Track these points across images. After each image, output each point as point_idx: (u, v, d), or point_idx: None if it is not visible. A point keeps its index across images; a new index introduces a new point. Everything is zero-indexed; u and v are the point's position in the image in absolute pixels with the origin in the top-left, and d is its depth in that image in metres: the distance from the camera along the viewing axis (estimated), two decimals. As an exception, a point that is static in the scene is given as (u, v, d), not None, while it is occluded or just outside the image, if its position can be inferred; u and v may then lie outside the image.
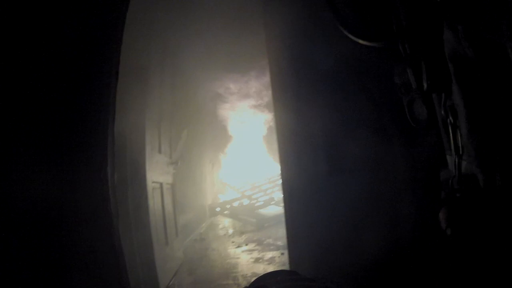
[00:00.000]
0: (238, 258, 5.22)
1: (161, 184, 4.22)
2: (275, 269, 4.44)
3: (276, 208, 8.13)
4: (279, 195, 8.50)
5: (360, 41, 0.95)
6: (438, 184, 1.26)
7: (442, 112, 1.00)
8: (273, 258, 4.95)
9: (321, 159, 2.84)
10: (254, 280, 0.84)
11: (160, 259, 3.77)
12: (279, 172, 3.09)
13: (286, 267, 3.81)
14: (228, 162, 10.08)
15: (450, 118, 0.97)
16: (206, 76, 7.82)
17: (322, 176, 2.84)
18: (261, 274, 0.87)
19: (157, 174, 4.05)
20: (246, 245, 5.88)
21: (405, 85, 1.14)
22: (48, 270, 1.69)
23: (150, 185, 3.74)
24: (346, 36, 2.43)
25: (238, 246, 5.86)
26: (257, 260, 4.96)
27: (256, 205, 8.40)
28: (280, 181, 3.10)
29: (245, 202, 8.71)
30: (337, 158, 2.82)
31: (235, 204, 8.64)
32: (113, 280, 2.20)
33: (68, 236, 1.88)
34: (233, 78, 8.27)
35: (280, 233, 6.13)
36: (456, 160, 0.99)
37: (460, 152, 0.98)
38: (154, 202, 3.87)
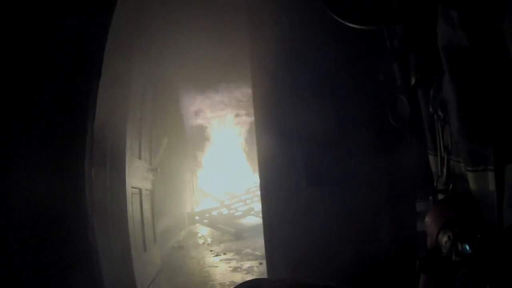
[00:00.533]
0: (216, 266, 5.20)
1: (140, 190, 4.21)
2: (254, 278, 4.45)
3: (255, 219, 8.11)
4: (258, 205, 8.51)
5: (350, 24, 0.88)
6: (414, 213, 1.24)
7: (430, 109, 0.96)
8: (251, 268, 4.95)
9: (299, 171, 2.87)
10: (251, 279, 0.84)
11: (138, 264, 3.74)
12: (258, 183, 3.11)
13: (265, 276, 3.82)
14: (208, 172, 10.05)
15: (440, 113, 0.93)
16: (188, 86, 7.84)
17: (300, 188, 2.87)
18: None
19: (136, 179, 4.03)
20: (225, 254, 5.86)
21: (389, 83, 1.10)
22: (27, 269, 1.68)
23: (129, 190, 3.72)
24: (332, 45, 2.46)
25: (217, 255, 5.84)
26: (235, 269, 4.95)
27: (235, 214, 8.38)
28: (259, 192, 3.12)
29: (224, 211, 8.68)
30: (315, 171, 2.85)
31: (214, 213, 8.60)
32: (88, 278, 2.20)
33: (48, 233, 1.87)
34: (215, 89, 8.29)
35: (258, 243, 6.12)
36: (445, 157, 0.96)
37: (449, 149, 0.94)
38: (132, 207, 3.85)
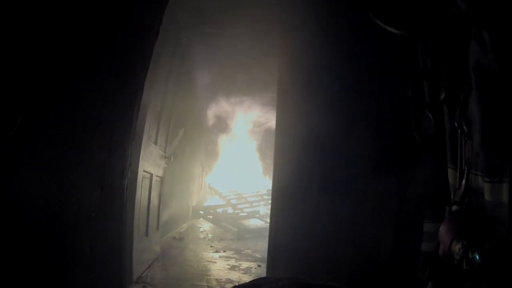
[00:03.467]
0: (214, 262, 5.20)
1: (151, 175, 4.23)
2: (250, 279, 4.43)
3: (259, 222, 8.12)
4: (264, 209, 8.50)
5: (389, 29, 0.95)
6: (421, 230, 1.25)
7: (455, 123, 0.99)
8: (249, 268, 4.94)
9: (312, 180, 2.88)
10: (251, 280, 0.84)
11: (138, 248, 3.75)
12: (270, 186, 3.12)
13: (261, 278, 3.80)
14: (219, 169, 10.08)
15: (464, 127, 0.97)
16: (210, 84, 7.88)
17: (310, 196, 2.87)
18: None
19: (149, 164, 4.05)
20: (224, 251, 5.85)
21: (417, 99, 1.15)
22: (50, 268, 1.69)
23: (141, 173, 3.75)
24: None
25: (216, 251, 5.84)
26: (233, 268, 4.94)
27: (240, 215, 8.38)
28: (268, 196, 3.13)
29: (230, 210, 8.70)
30: (328, 181, 2.86)
31: (219, 210, 8.62)
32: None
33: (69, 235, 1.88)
34: (238, 91, 8.33)
35: (259, 246, 6.12)
36: (465, 170, 0.98)
37: (470, 162, 0.97)
38: (141, 191, 3.87)
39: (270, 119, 8.41)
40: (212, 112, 9.03)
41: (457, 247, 0.91)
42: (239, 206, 8.76)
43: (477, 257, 0.86)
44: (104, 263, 2.24)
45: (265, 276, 3.09)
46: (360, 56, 2.85)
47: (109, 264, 2.33)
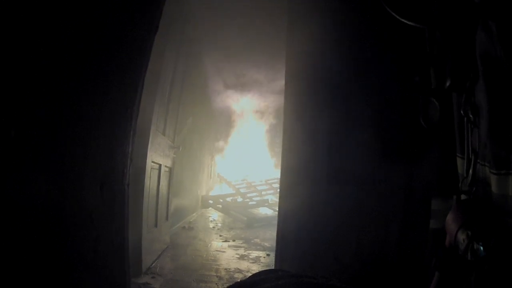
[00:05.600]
0: (223, 252, 5.22)
1: (160, 165, 4.23)
2: (259, 269, 4.45)
3: (268, 211, 8.14)
4: (273, 198, 8.51)
5: (402, 20, 0.97)
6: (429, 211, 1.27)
7: (461, 111, 0.99)
8: (258, 258, 4.95)
9: (321, 169, 2.86)
10: (252, 275, 0.83)
11: (147, 239, 3.77)
12: (279, 175, 3.11)
13: (271, 267, 3.82)
14: (228, 158, 10.09)
15: (471, 116, 0.97)
16: (218, 71, 7.85)
17: (321, 184, 2.86)
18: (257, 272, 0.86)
19: (157, 155, 4.05)
20: (234, 241, 5.88)
21: (423, 85, 1.14)
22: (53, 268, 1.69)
23: (149, 164, 3.75)
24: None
25: (225, 241, 5.86)
26: (242, 257, 4.96)
27: (249, 203, 8.41)
28: (277, 185, 3.13)
29: (239, 199, 8.72)
30: (337, 170, 2.84)
31: (228, 199, 8.65)
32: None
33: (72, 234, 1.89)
34: (245, 79, 8.29)
35: (268, 235, 6.13)
36: (472, 159, 0.98)
37: (477, 151, 0.97)
38: (150, 182, 3.88)
39: (279, 106, 8.36)
40: (220, 100, 9.01)
41: (462, 237, 0.92)
42: (248, 195, 8.78)
43: (482, 249, 0.87)
44: (106, 262, 2.24)
45: (273, 268, 3.09)
46: (367, 39, 2.82)
47: (111, 262, 2.33)
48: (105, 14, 2.03)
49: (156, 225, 4.23)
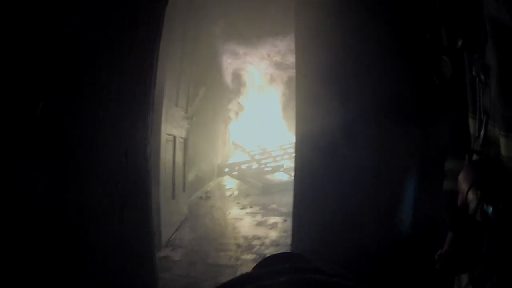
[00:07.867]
0: (241, 219, 5.28)
1: (174, 137, 4.23)
2: (277, 235, 4.50)
3: (283, 176, 8.16)
4: (288, 163, 8.52)
5: None
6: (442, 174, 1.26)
7: (473, 72, 0.98)
8: (275, 224, 5.00)
9: (337, 133, 2.82)
10: (256, 265, 0.81)
11: (165, 212, 3.81)
12: (293, 140, 3.09)
13: (288, 234, 3.85)
14: (242, 125, 10.06)
15: (482, 76, 0.95)
16: (228, 36, 7.74)
17: (336, 149, 2.82)
18: (266, 257, 0.84)
19: (171, 127, 4.05)
20: (251, 207, 5.94)
21: (435, 42, 1.13)
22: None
23: (164, 136, 3.75)
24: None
25: (243, 208, 5.92)
26: (260, 224, 5.01)
27: (264, 170, 8.44)
28: (292, 149, 3.10)
29: (254, 166, 8.75)
30: (353, 134, 2.80)
31: (244, 166, 8.68)
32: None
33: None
34: (256, 41, 8.17)
35: (284, 200, 6.17)
36: (484, 120, 0.97)
37: (488, 112, 0.96)
38: (166, 154, 3.89)
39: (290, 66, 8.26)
40: (232, 66, 8.92)
41: (472, 197, 0.91)
42: (263, 161, 8.80)
43: (491, 210, 0.85)
44: (132, 233, 2.27)
45: (290, 233, 3.10)
46: (378, 7, 2.73)
47: (137, 233, 2.37)
48: None
49: (173, 197, 4.27)
